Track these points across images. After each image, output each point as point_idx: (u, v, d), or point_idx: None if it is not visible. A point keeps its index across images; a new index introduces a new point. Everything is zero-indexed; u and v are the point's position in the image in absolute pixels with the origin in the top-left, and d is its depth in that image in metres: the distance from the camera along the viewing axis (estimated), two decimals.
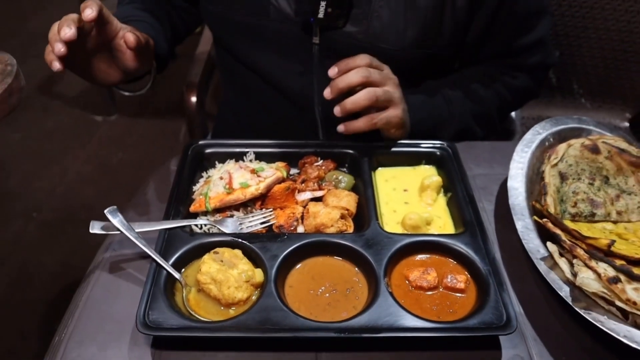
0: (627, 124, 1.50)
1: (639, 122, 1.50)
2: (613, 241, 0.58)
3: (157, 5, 0.93)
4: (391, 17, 0.80)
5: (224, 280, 0.56)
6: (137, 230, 0.61)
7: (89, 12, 0.63)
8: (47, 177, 2.03)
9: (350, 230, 0.66)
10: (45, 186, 1.98)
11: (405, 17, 0.80)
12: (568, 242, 0.59)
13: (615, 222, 0.68)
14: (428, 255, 0.62)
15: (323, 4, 0.78)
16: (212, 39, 1.28)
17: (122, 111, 2.37)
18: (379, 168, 0.78)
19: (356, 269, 0.61)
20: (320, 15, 0.79)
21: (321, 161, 0.77)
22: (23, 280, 1.63)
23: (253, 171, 0.70)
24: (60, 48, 0.61)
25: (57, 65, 0.62)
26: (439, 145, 0.78)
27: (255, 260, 0.60)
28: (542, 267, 0.59)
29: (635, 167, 0.72)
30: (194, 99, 1.15)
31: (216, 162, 0.76)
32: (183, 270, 0.60)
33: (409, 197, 0.73)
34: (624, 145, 0.74)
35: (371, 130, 0.78)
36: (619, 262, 0.57)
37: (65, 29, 0.61)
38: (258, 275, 0.58)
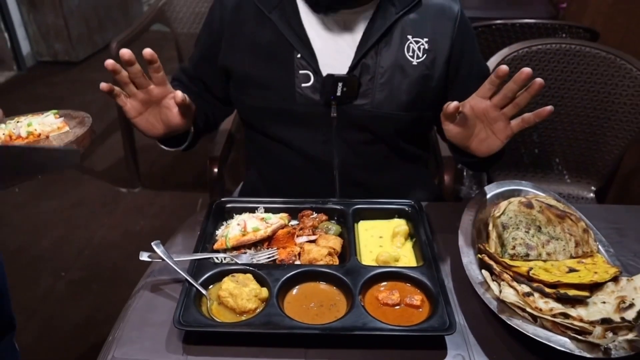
0: (592, 195, 1.71)
1: (602, 194, 1.71)
2: (531, 268, 0.77)
3: (191, 93, 1.15)
4: (389, 90, 1.04)
5: (239, 295, 0.75)
6: (174, 259, 0.81)
7: (149, 51, 0.84)
8: (76, 241, 2.24)
9: (336, 263, 0.85)
10: (73, 249, 2.19)
11: (400, 89, 1.04)
12: (498, 269, 0.79)
13: (545, 261, 0.87)
14: (394, 282, 0.81)
15: (340, 84, 1.01)
16: (235, 118, 1.53)
17: (145, 184, 2.62)
18: (361, 221, 0.98)
19: (338, 290, 0.80)
20: (338, 93, 1.02)
21: (315, 214, 0.98)
22: (51, 331, 1.79)
23: (262, 219, 0.91)
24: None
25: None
26: (408, 203, 0.98)
27: (262, 282, 0.79)
28: (480, 290, 0.78)
29: (561, 219, 0.91)
30: (215, 170, 1.39)
31: (234, 214, 0.97)
32: (208, 289, 0.79)
33: (383, 242, 0.93)
34: (552, 202, 0.94)
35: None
36: (535, 284, 0.75)
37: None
38: (264, 292, 0.77)
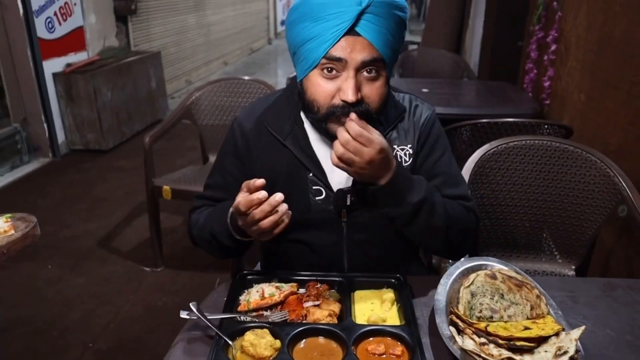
0: (573, 273, 1.90)
1: (582, 271, 1.90)
2: (487, 324, 0.97)
3: None
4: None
5: (258, 344, 0.95)
6: (208, 317, 1.02)
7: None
8: (103, 314, 2.43)
9: (335, 323, 1.06)
10: (100, 322, 2.37)
11: None
12: (462, 326, 0.99)
13: (506, 322, 1.06)
14: (380, 337, 1.01)
15: (349, 196, 1.20)
16: None
17: (167, 264, 2.83)
18: (357, 291, 1.18)
19: (336, 343, 1.00)
20: (348, 203, 1.20)
21: (320, 285, 1.19)
22: None
23: (277, 287, 1.13)
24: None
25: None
26: (395, 277, 1.19)
27: (276, 335, 0.99)
28: (448, 342, 0.97)
29: (519, 287, 1.11)
30: None
31: (253, 284, 1.19)
32: (234, 340, 1.00)
33: (374, 307, 1.13)
34: (512, 273, 1.15)
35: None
36: (491, 337, 0.95)
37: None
38: (277, 343, 0.97)
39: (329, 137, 1.16)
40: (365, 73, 1.10)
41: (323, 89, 1.11)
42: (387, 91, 1.16)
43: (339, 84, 1.10)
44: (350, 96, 1.08)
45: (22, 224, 0.98)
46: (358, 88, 1.09)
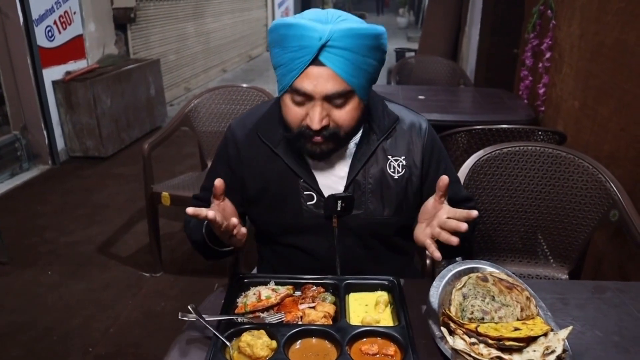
0: (567, 277, 1.92)
1: (575, 275, 1.93)
2: (478, 325, 1.00)
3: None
4: (378, 200, 1.28)
5: (254, 345, 0.98)
6: (206, 319, 1.05)
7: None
8: (103, 319, 2.45)
9: (330, 324, 1.09)
10: (100, 327, 2.39)
11: (386, 199, 1.29)
12: (454, 327, 1.02)
13: (496, 323, 1.09)
14: (374, 337, 1.04)
15: (339, 202, 1.24)
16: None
17: (166, 269, 2.85)
18: (351, 293, 1.21)
19: (330, 344, 1.03)
20: (339, 209, 1.24)
21: (315, 287, 1.21)
22: None
23: (273, 290, 1.16)
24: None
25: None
26: (388, 279, 1.22)
27: (272, 336, 1.02)
28: (440, 343, 1.00)
29: (510, 290, 1.14)
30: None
31: (250, 287, 1.22)
32: (231, 341, 1.02)
33: (368, 309, 1.16)
34: (503, 276, 1.18)
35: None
36: (481, 337, 0.98)
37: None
38: (274, 343, 1.00)
39: (305, 154, 1.23)
40: (334, 100, 1.14)
41: (293, 112, 1.17)
42: (360, 112, 1.19)
43: (307, 110, 1.15)
44: (314, 125, 1.13)
45: None
46: (324, 116, 1.14)
